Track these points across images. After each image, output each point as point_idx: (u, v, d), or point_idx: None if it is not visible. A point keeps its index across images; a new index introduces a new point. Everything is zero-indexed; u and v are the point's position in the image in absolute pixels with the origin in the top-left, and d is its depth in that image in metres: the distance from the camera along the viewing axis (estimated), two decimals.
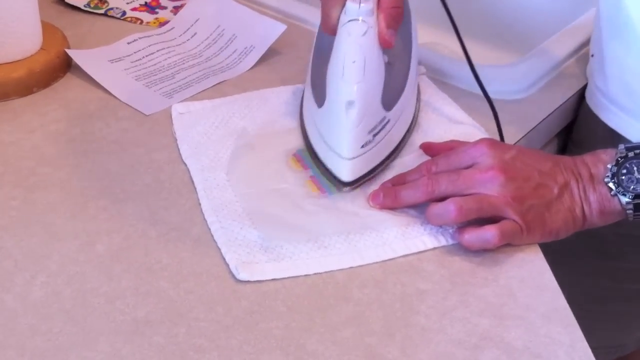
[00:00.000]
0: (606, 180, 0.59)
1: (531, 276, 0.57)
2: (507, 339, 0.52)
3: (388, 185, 0.63)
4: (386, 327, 0.53)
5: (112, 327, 0.52)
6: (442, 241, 0.60)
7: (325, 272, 0.57)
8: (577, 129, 0.81)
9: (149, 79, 0.75)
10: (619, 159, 0.59)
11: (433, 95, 0.75)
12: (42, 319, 0.52)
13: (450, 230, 0.60)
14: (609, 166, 0.59)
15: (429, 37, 1.01)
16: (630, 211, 0.58)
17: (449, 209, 0.58)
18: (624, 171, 0.59)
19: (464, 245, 0.58)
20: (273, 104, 0.72)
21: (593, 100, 0.77)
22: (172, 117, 0.71)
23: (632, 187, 0.58)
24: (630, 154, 0.59)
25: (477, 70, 0.79)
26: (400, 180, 0.63)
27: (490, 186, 0.58)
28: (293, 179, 0.64)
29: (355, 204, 0.62)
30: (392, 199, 0.61)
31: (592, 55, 0.77)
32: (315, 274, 0.56)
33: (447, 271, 0.57)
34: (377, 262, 0.58)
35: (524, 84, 0.78)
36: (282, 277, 0.56)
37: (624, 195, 0.58)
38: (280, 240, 0.58)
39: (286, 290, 0.55)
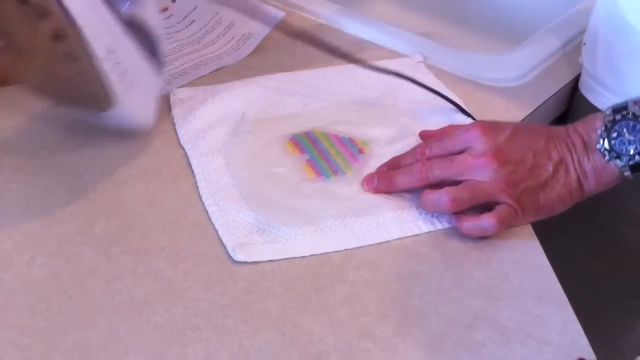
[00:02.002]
0: (598, 147, 0.59)
1: (524, 258, 0.58)
2: (500, 319, 0.53)
3: (383, 169, 0.63)
4: (381, 307, 0.54)
5: (110, 306, 0.52)
6: (437, 225, 0.60)
7: (321, 253, 0.57)
8: (571, 117, 0.82)
9: None
10: (607, 123, 0.59)
11: (429, 84, 0.76)
12: (41, 299, 0.53)
13: (446, 216, 0.60)
14: (599, 132, 0.59)
15: (426, 27, 1.02)
16: (628, 173, 0.58)
17: (442, 199, 0.59)
18: (614, 135, 0.58)
19: (464, 233, 0.59)
20: (270, 90, 0.73)
21: (584, 85, 0.78)
22: (171, 102, 0.71)
23: (624, 149, 0.58)
24: (618, 116, 0.58)
25: (474, 59, 0.80)
26: (395, 164, 0.63)
27: (482, 172, 0.59)
28: (289, 163, 0.64)
29: (351, 188, 0.63)
30: (386, 183, 0.62)
31: (585, 44, 0.78)
32: (311, 255, 0.57)
33: (442, 253, 0.58)
34: (372, 245, 0.58)
35: (519, 72, 0.78)
36: (278, 259, 0.57)
37: (619, 159, 0.58)
38: (276, 222, 0.59)
39: (282, 271, 0.56)
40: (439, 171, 0.60)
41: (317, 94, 0.72)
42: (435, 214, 0.60)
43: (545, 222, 0.61)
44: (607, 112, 0.59)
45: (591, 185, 0.60)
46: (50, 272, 0.55)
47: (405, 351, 0.51)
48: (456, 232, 0.60)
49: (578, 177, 0.60)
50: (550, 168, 0.59)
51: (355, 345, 0.51)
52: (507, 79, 0.77)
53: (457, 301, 0.54)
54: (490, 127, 0.61)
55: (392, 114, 0.71)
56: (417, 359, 0.50)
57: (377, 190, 0.62)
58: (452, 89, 0.75)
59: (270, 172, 0.64)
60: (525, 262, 0.58)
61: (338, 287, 0.55)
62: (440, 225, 0.60)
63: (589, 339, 0.52)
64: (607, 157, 0.59)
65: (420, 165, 0.61)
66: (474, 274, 0.56)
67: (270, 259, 0.57)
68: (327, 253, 0.57)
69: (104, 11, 0.57)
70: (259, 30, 0.79)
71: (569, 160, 0.60)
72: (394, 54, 0.81)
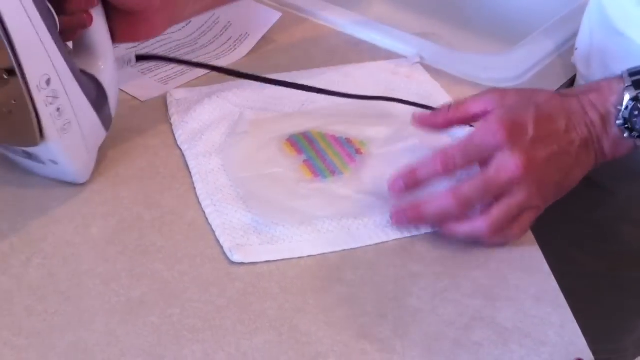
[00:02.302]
0: (618, 123, 0.57)
1: (522, 258, 0.58)
2: (497, 320, 0.53)
3: (406, 205, 0.59)
4: (378, 308, 0.54)
5: (107, 307, 0.52)
6: (435, 226, 0.60)
7: (319, 254, 0.57)
8: None
9: (143, 66, 0.75)
10: (628, 100, 0.56)
11: (425, 84, 0.76)
12: (38, 300, 0.53)
13: None
14: (620, 108, 0.57)
15: (423, 27, 1.02)
16: None
17: (480, 227, 0.57)
18: (636, 112, 0.56)
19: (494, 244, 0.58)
20: (268, 90, 0.73)
21: (577, 86, 0.78)
22: (167, 103, 0.71)
23: None
24: None
25: (471, 59, 0.80)
26: (411, 178, 0.59)
27: (517, 190, 0.56)
28: (287, 164, 0.64)
29: (348, 188, 0.63)
30: (415, 216, 0.59)
31: (577, 49, 0.78)
32: (308, 256, 0.57)
33: (439, 254, 0.58)
34: (369, 245, 0.58)
35: (516, 72, 0.78)
36: (275, 260, 0.56)
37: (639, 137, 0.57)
38: (274, 223, 0.59)
39: (280, 272, 0.56)
40: (475, 201, 0.57)
41: (315, 95, 0.72)
42: None
43: (543, 222, 0.61)
44: (626, 83, 0.57)
45: (607, 159, 0.60)
46: (47, 273, 0.54)
47: (403, 352, 0.51)
48: None
49: (596, 155, 0.59)
50: (573, 154, 0.58)
51: (352, 346, 0.51)
52: (504, 79, 0.77)
53: (454, 302, 0.54)
54: (513, 125, 0.57)
55: (389, 114, 0.71)
56: (415, 359, 0.50)
57: (407, 223, 0.59)
58: (449, 89, 0.75)
59: (268, 172, 0.64)
60: (523, 263, 0.58)
61: (335, 287, 0.55)
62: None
63: (587, 339, 0.52)
64: (626, 134, 0.57)
65: (452, 199, 0.57)
66: (471, 275, 0.56)
67: (268, 259, 0.56)
68: (324, 254, 0.57)
69: (48, 41, 0.53)
70: (256, 31, 0.79)
71: (589, 141, 0.58)
72: (391, 55, 0.81)
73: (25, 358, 0.49)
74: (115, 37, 0.62)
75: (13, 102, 0.53)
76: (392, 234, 0.59)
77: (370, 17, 0.89)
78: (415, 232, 0.60)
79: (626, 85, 0.57)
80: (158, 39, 0.79)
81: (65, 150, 0.58)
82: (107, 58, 0.62)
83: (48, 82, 0.54)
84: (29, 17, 0.51)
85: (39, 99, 0.54)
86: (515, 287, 0.56)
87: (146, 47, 0.78)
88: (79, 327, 0.51)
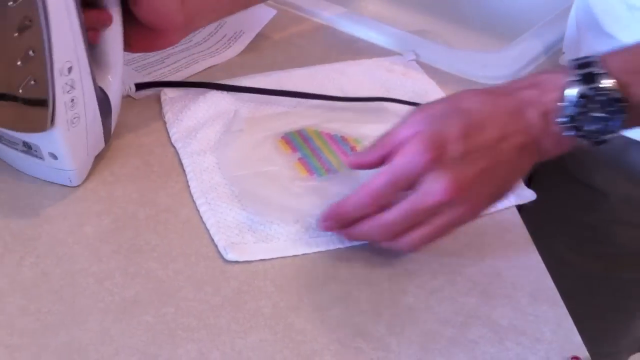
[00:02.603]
0: (559, 121, 0.52)
1: (518, 256, 0.58)
2: (493, 317, 0.53)
3: (333, 222, 0.57)
4: (374, 306, 0.53)
5: (101, 306, 0.52)
6: None
7: (314, 252, 0.57)
8: None
9: (138, 63, 0.75)
10: (573, 97, 0.51)
11: (420, 81, 0.76)
12: (31, 299, 0.52)
13: None
14: (564, 104, 0.52)
15: (418, 24, 1.02)
16: (589, 145, 0.53)
17: (400, 244, 0.54)
18: (582, 110, 0.51)
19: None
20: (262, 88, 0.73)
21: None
22: (162, 101, 0.71)
23: (591, 127, 0.52)
24: (590, 92, 0.51)
25: (466, 56, 0.80)
26: (341, 218, 0.56)
27: (446, 212, 0.52)
28: (282, 161, 0.64)
29: (343, 186, 0.62)
30: (340, 232, 0.57)
31: (564, 53, 0.78)
32: (303, 254, 0.57)
33: (435, 252, 0.58)
34: (364, 243, 0.58)
35: (511, 70, 0.78)
36: (270, 258, 0.56)
37: (584, 137, 0.52)
38: (268, 221, 0.58)
39: (275, 271, 0.55)
40: (402, 227, 0.53)
41: (310, 92, 0.72)
42: None
43: (536, 224, 0.61)
44: (571, 77, 0.52)
45: (549, 156, 0.55)
46: (40, 272, 0.54)
47: (399, 350, 0.50)
48: None
49: (538, 156, 0.54)
50: (508, 163, 0.53)
51: (348, 344, 0.51)
52: (500, 77, 0.77)
53: (450, 300, 0.54)
54: (437, 145, 0.52)
55: (385, 112, 0.70)
56: (411, 357, 0.50)
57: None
58: (444, 86, 0.75)
59: (263, 170, 0.63)
60: (519, 261, 0.57)
61: (330, 286, 0.55)
62: None
63: (584, 339, 0.52)
64: (570, 133, 0.52)
65: (377, 228, 0.54)
66: (467, 272, 0.56)
67: (262, 258, 0.56)
68: (319, 252, 0.57)
69: (77, 29, 0.54)
70: (251, 29, 0.79)
71: (527, 145, 0.53)
72: (386, 52, 0.81)
73: (19, 357, 0.48)
74: (132, 47, 0.63)
75: (33, 82, 0.53)
76: None
77: (365, 14, 0.89)
78: None
79: (572, 79, 0.52)
80: None
81: (68, 144, 0.58)
82: (116, 73, 0.63)
83: (70, 70, 0.54)
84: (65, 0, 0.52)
85: (59, 83, 0.54)
86: (511, 285, 0.55)
87: None
88: (72, 326, 0.51)
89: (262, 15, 0.80)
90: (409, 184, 0.52)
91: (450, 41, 0.93)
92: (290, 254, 0.57)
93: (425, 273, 0.56)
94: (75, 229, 0.58)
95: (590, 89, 0.51)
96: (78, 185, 0.61)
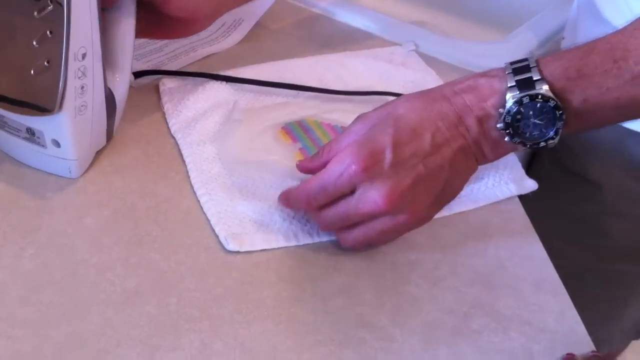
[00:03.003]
0: (499, 127, 0.52)
1: (520, 246, 0.58)
2: (496, 307, 0.53)
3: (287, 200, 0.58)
4: (377, 296, 0.53)
5: (102, 297, 0.52)
6: None
7: (315, 242, 0.57)
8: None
9: (137, 51, 0.74)
10: (515, 105, 0.51)
11: (420, 72, 0.76)
12: (32, 290, 0.52)
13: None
14: (502, 111, 0.52)
15: (418, 15, 1.02)
16: (528, 150, 0.54)
17: (340, 239, 0.56)
18: (519, 117, 0.51)
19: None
20: (262, 78, 0.72)
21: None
22: (160, 91, 0.70)
23: (528, 132, 0.52)
24: (525, 98, 0.51)
25: (466, 46, 0.79)
26: (289, 202, 0.58)
27: (386, 218, 0.53)
28: (282, 151, 0.64)
29: None
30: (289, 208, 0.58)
31: (564, 38, 0.78)
32: (305, 244, 0.56)
33: (437, 242, 0.58)
34: None
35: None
36: (272, 248, 0.56)
37: (522, 143, 0.52)
38: (269, 211, 0.58)
39: (277, 261, 0.55)
40: (337, 226, 0.55)
41: (309, 83, 0.71)
42: None
43: (530, 215, 0.61)
44: (508, 83, 0.51)
45: (489, 160, 0.55)
46: (41, 264, 0.54)
47: (402, 340, 0.50)
48: (452, 221, 0.59)
49: (476, 159, 0.54)
50: (446, 168, 0.53)
51: (351, 334, 0.50)
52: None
53: (453, 289, 0.54)
54: (370, 161, 0.52)
55: (384, 102, 0.70)
56: (414, 347, 0.50)
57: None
58: (444, 77, 0.75)
59: (263, 160, 0.63)
60: (521, 250, 0.57)
61: (333, 276, 0.54)
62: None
63: None
64: (507, 138, 0.52)
65: (316, 220, 0.56)
66: (469, 262, 0.56)
67: (264, 248, 0.56)
68: (321, 242, 0.57)
69: (95, 16, 0.55)
70: (250, 17, 0.79)
71: (465, 149, 0.53)
72: (385, 42, 0.80)
73: (20, 349, 0.48)
74: (154, 35, 0.63)
75: (46, 63, 0.54)
76: None
77: (365, 5, 0.88)
78: None
79: (509, 84, 0.52)
80: None
81: (73, 132, 0.57)
82: (124, 72, 0.63)
83: (84, 56, 0.55)
84: None
85: (72, 68, 0.54)
86: (514, 274, 0.55)
87: None
88: (74, 318, 0.50)
89: (261, 4, 0.79)
90: (340, 190, 0.53)
91: (449, 32, 0.92)
92: (292, 245, 0.56)
93: (428, 263, 0.56)
94: (76, 220, 0.57)
95: (525, 95, 0.51)
96: (77, 177, 0.61)
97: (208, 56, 0.75)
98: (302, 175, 0.61)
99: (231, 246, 0.56)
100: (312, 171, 0.56)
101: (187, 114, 0.67)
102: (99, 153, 0.63)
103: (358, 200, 0.52)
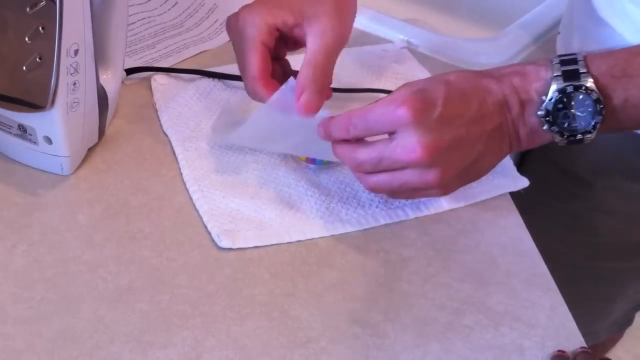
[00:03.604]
0: (539, 114, 0.53)
1: (512, 243, 0.58)
2: (488, 303, 0.53)
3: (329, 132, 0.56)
4: (369, 292, 0.53)
5: (94, 294, 0.52)
6: (424, 210, 0.60)
7: (308, 239, 0.57)
8: None
9: (129, 48, 0.74)
10: (557, 92, 0.52)
11: (412, 69, 0.76)
12: (24, 287, 0.52)
13: (433, 202, 0.60)
14: (544, 98, 0.53)
15: (410, 13, 1.02)
16: (564, 143, 0.54)
17: (365, 186, 0.56)
18: (560, 106, 0.52)
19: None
20: None
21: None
22: (152, 87, 0.70)
23: (567, 123, 0.53)
24: (569, 87, 0.52)
25: (458, 44, 0.79)
26: (327, 132, 0.56)
27: (414, 169, 0.53)
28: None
29: (337, 174, 0.62)
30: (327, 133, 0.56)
31: (559, 33, 0.78)
32: (297, 241, 0.57)
33: (429, 239, 0.58)
34: (359, 230, 0.58)
35: (503, 57, 0.78)
36: (264, 245, 0.56)
37: (559, 134, 0.53)
38: (262, 208, 0.58)
39: (269, 258, 0.55)
40: (369, 167, 0.54)
41: None
42: (422, 200, 0.60)
43: (520, 212, 0.61)
44: (554, 72, 0.53)
45: (522, 147, 0.56)
46: (33, 260, 0.54)
47: (394, 336, 0.51)
48: (443, 218, 0.59)
49: (510, 142, 0.55)
50: (483, 140, 0.53)
51: (344, 330, 0.51)
52: (492, 64, 0.76)
53: (445, 286, 0.54)
54: (420, 106, 0.52)
55: (376, 98, 0.70)
56: (406, 343, 0.50)
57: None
58: (436, 74, 0.75)
59: (256, 158, 0.63)
60: (513, 247, 0.58)
61: (325, 273, 0.55)
62: (427, 210, 0.60)
63: None
64: (545, 127, 0.53)
65: (348, 162, 0.55)
66: (461, 259, 0.56)
67: (256, 245, 0.56)
68: (313, 239, 0.57)
69: (87, 13, 0.55)
70: None
71: (503, 127, 0.54)
72: (378, 40, 0.80)
73: (12, 346, 0.48)
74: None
75: (38, 59, 0.53)
76: (382, 219, 0.59)
77: (358, 2, 0.88)
78: (404, 217, 0.59)
79: (554, 74, 0.53)
80: (144, 21, 0.78)
81: (65, 128, 0.57)
82: (116, 69, 0.63)
83: (76, 52, 0.55)
84: None
85: (64, 64, 0.54)
86: (505, 271, 0.56)
87: (132, 30, 0.77)
88: (66, 314, 0.50)
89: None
90: (383, 130, 0.53)
91: (442, 29, 0.93)
92: (284, 241, 0.56)
93: (420, 260, 0.56)
94: (68, 217, 0.57)
95: (570, 85, 0.52)
96: (69, 174, 0.61)
97: (200, 53, 0.75)
98: (296, 176, 0.61)
99: (224, 243, 0.56)
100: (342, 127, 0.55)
101: (179, 110, 0.67)
102: (91, 150, 0.63)
103: (396, 145, 0.52)
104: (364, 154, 0.54)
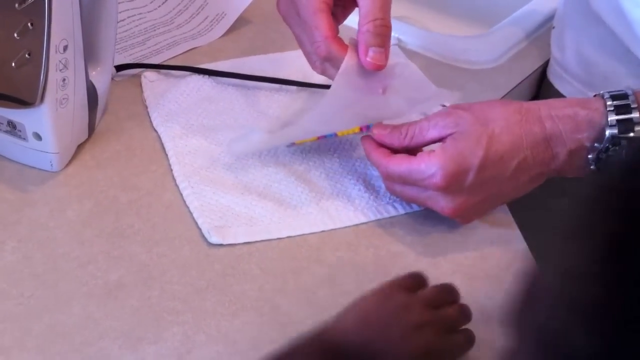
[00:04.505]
0: (591, 157, 0.54)
1: (500, 238, 0.58)
2: (477, 298, 0.53)
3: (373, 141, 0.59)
4: (359, 288, 0.53)
5: (84, 290, 0.52)
6: (414, 207, 0.60)
7: (298, 235, 0.57)
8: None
9: (119, 45, 0.74)
10: (612, 144, 0.52)
11: (401, 66, 0.76)
12: (13, 283, 0.52)
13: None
14: (598, 146, 0.53)
15: (400, 10, 1.02)
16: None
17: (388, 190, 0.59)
18: (610, 153, 0.53)
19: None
20: (244, 72, 0.72)
21: (551, 71, 0.78)
22: (142, 84, 0.70)
23: (612, 162, 0.53)
24: (623, 142, 0.52)
25: (448, 41, 0.80)
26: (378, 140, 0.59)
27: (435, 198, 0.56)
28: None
29: (327, 170, 0.62)
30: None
31: (554, 27, 0.78)
32: (287, 237, 0.57)
33: (419, 235, 0.58)
34: (349, 226, 0.58)
35: (493, 55, 0.78)
36: (254, 241, 0.56)
37: (603, 170, 0.54)
38: (252, 204, 0.58)
39: (260, 254, 0.55)
40: (396, 180, 0.57)
41: (292, 77, 0.71)
42: None
43: (509, 209, 0.61)
44: (610, 121, 0.52)
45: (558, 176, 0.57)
46: (22, 257, 0.54)
47: None
48: (433, 214, 0.59)
49: (546, 178, 0.57)
50: (513, 190, 0.56)
51: None
52: (481, 62, 0.77)
53: (435, 281, 0.54)
54: (453, 175, 0.54)
55: None
56: None
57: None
58: (426, 71, 0.74)
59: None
60: (501, 242, 0.58)
61: (316, 268, 0.55)
62: (417, 207, 0.60)
63: None
64: (592, 167, 0.54)
65: (380, 167, 0.58)
66: (451, 255, 0.57)
67: (246, 241, 0.56)
68: (303, 235, 0.57)
69: (76, 9, 0.55)
70: (233, 10, 0.78)
71: (543, 173, 0.55)
72: None
73: (1, 342, 0.48)
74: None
75: (27, 55, 0.53)
76: (372, 216, 0.59)
77: None
78: (394, 213, 0.60)
79: (609, 123, 0.52)
80: (134, 18, 0.78)
81: (54, 124, 0.57)
82: (106, 65, 0.63)
83: (65, 48, 0.55)
84: None
85: (53, 60, 0.54)
86: (494, 266, 0.56)
87: (122, 27, 0.76)
88: (55, 311, 0.50)
89: None
90: (416, 185, 0.56)
91: (431, 27, 0.93)
92: (274, 237, 0.57)
93: (409, 255, 0.56)
94: (57, 214, 0.57)
95: (624, 138, 0.52)
96: (59, 170, 0.61)
97: (190, 50, 0.75)
98: (285, 174, 0.61)
99: (214, 239, 0.56)
100: (386, 145, 0.57)
101: (169, 107, 0.67)
102: (80, 146, 0.62)
103: (428, 198, 0.56)
104: (401, 189, 0.57)
